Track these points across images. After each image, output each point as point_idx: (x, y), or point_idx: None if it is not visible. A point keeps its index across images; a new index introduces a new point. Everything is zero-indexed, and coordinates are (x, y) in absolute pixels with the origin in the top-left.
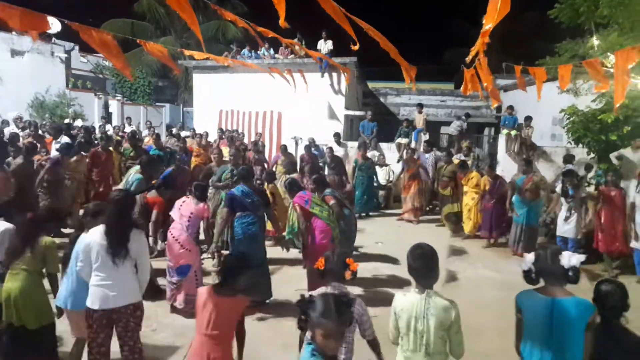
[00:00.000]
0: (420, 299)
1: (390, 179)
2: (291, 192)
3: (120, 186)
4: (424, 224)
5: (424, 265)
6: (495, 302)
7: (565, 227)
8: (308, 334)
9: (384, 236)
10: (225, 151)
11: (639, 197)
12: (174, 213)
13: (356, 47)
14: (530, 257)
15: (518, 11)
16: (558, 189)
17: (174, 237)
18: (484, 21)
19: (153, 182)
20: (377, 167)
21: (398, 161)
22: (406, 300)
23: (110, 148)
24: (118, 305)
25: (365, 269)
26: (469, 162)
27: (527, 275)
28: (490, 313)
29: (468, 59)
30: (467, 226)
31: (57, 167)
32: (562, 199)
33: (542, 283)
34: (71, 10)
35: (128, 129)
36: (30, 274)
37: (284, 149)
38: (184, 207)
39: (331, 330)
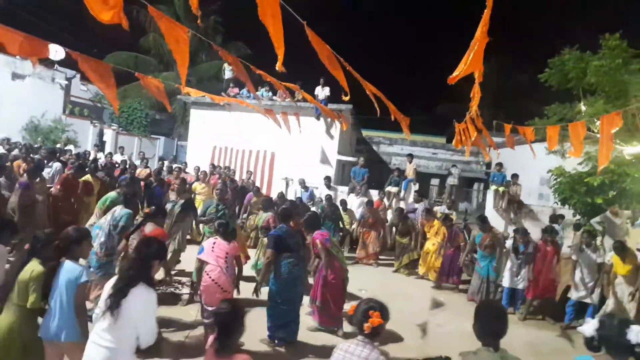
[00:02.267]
0: (494, 357)
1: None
2: (309, 230)
3: (93, 219)
4: (384, 267)
5: (499, 325)
6: None
7: (515, 279)
8: None
9: (365, 283)
10: (199, 187)
11: (575, 254)
12: (206, 255)
13: (347, 98)
14: (593, 323)
15: (510, 71)
16: (508, 244)
17: (213, 280)
18: (474, 75)
19: (147, 211)
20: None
21: (388, 208)
22: (478, 358)
23: (88, 176)
24: None
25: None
26: (453, 216)
27: (589, 342)
28: None
29: (471, 109)
30: (422, 268)
31: (27, 191)
32: (511, 255)
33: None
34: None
35: (119, 159)
36: (21, 308)
37: (256, 190)
38: (217, 249)
39: None
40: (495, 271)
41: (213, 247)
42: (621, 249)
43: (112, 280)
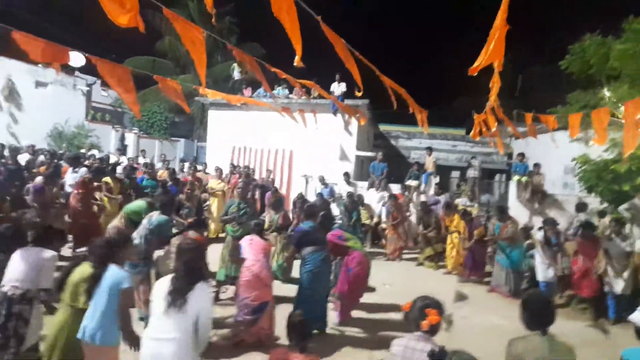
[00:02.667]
0: (543, 342)
1: (374, 218)
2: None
3: (116, 223)
4: (407, 262)
5: (546, 314)
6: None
7: (547, 273)
8: None
9: (388, 278)
10: (215, 184)
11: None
12: (246, 252)
13: (360, 94)
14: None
15: (529, 62)
16: (539, 236)
17: (255, 274)
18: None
19: (190, 221)
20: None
21: (408, 203)
22: (527, 342)
23: (108, 178)
24: None
25: (375, 309)
26: (474, 208)
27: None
28: None
29: (490, 99)
30: (449, 262)
31: (39, 196)
32: (544, 247)
33: None
34: (97, 46)
35: (142, 161)
36: (71, 308)
37: (274, 190)
38: (255, 246)
39: None
40: (517, 261)
41: (251, 244)
42: None
43: (167, 279)
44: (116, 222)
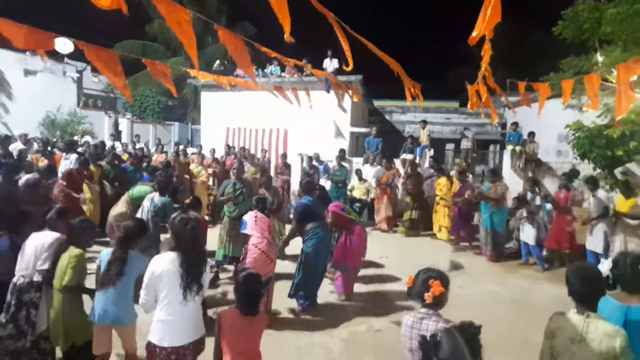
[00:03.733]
0: (578, 321)
1: (370, 193)
2: (324, 204)
3: (123, 207)
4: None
5: (589, 287)
6: (502, 319)
7: (529, 232)
8: None
9: (386, 251)
10: (195, 170)
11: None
12: (251, 229)
13: (349, 69)
14: (608, 263)
15: (522, 31)
16: (521, 196)
17: (263, 251)
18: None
19: (187, 201)
20: (357, 181)
21: (403, 176)
22: (563, 320)
23: (91, 166)
24: (189, 341)
25: (373, 281)
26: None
27: (605, 281)
28: (497, 331)
29: (482, 68)
30: (435, 227)
31: (29, 190)
32: (525, 207)
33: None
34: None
35: (138, 146)
36: (61, 292)
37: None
38: (261, 223)
39: None
40: (501, 224)
41: (256, 221)
42: (625, 187)
43: (171, 259)
44: (121, 208)
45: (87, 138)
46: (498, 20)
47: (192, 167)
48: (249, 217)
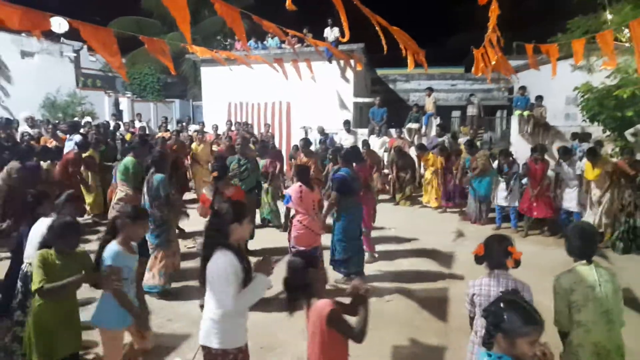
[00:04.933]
0: (590, 270)
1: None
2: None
3: (122, 193)
4: (384, 203)
5: (589, 241)
6: None
7: (503, 197)
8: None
9: (393, 221)
10: (198, 148)
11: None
12: (297, 205)
13: (345, 39)
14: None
15: None
16: (495, 165)
17: (307, 227)
18: None
19: (214, 174)
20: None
21: (410, 146)
22: (575, 274)
23: (91, 151)
24: (200, 342)
25: (384, 255)
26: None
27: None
28: None
29: (489, 29)
30: (425, 197)
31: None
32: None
33: None
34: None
35: (138, 125)
36: (38, 300)
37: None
38: (306, 197)
39: (538, 335)
40: (486, 191)
41: (301, 197)
42: (593, 154)
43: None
44: (120, 193)
45: (88, 119)
46: None
47: (193, 145)
48: (294, 192)
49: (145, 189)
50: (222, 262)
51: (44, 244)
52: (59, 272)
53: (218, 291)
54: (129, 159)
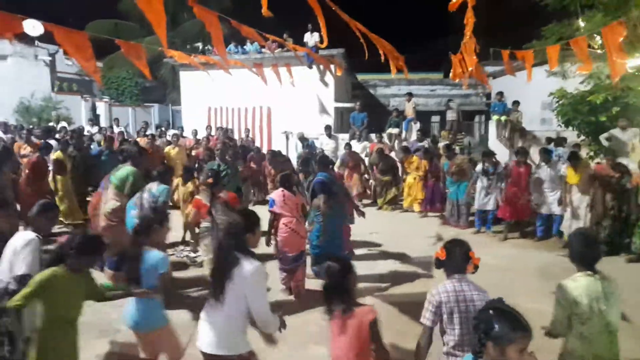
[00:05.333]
0: (595, 281)
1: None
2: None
3: (114, 203)
4: (367, 207)
5: (592, 248)
6: (493, 286)
7: (484, 201)
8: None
9: (375, 226)
10: (173, 152)
11: (544, 171)
12: (280, 208)
13: (323, 45)
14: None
15: None
16: (478, 168)
17: (293, 229)
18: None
19: (209, 181)
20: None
21: (390, 151)
22: (580, 284)
23: (59, 153)
24: (208, 351)
25: (365, 258)
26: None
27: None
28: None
29: (465, 37)
30: (406, 201)
31: None
32: (481, 177)
33: None
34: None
35: (116, 130)
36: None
37: (257, 150)
38: (290, 202)
39: (528, 341)
40: (465, 195)
41: (284, 200)
42: (575, 158)
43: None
44: (114, 203)
45: (63, 124)
46: None
47: (168, 148)
48: (277, 196)
49: (138, 200)
50: (257, 272)
51: (56, 259)
52: (62, 295)
53: (257, 300)
54: (129, 169)
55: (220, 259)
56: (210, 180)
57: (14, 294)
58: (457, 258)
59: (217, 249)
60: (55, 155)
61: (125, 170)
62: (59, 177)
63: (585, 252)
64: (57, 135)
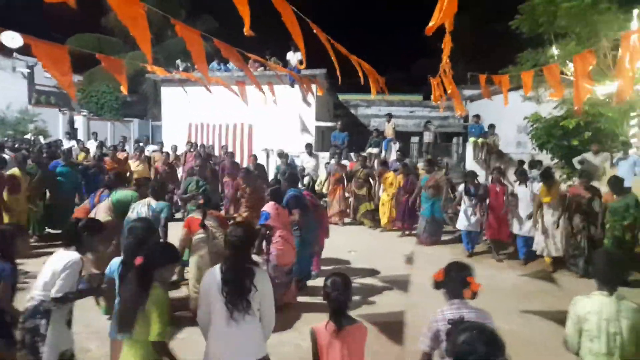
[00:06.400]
0: (610, 302)
1: (315, 185)
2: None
3: (105, 217)
4: (350, 226)
5: (615, 270)
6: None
7: (470, 221)
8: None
9: (353, 244)
10: (133, 165)
11: (521, 191)
12: (274, 221)
13: (302, 66)
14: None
15: (481, 24)
16: (461, 188)
17: (286, 240)
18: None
19: (202, 201)
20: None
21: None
22: (593, 302)
23: (16, 170)
24: None
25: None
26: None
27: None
28: None
29: (442, 61)
30: (383, 220)
31: None
32: (465, 197)
33: None
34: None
35: (93, 145)
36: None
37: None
38: (282, 216)
39: None
40: (441, 212)
41: (278, 213)
42: (548, 177)
43: (213, 280)
44: (104, 217)
45: (39, 137)
46: (454, 10)
47: (129, 162)
48: (271, 209)
49: (143, 210)
50: (267, 280)
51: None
52: None
53: (270, 306)
54: (132, 193)
55: (236, 273)
56: (201, 201)
57: (46, 312)
58: (454, 281)
59: (230, 264)
60: (10, 171)
61: (129, 194)
62: (11, 196)
63: (606, 270)
64: (31, 149)
